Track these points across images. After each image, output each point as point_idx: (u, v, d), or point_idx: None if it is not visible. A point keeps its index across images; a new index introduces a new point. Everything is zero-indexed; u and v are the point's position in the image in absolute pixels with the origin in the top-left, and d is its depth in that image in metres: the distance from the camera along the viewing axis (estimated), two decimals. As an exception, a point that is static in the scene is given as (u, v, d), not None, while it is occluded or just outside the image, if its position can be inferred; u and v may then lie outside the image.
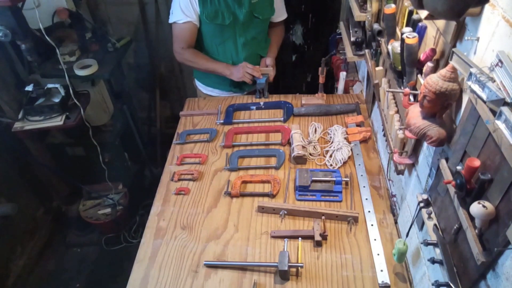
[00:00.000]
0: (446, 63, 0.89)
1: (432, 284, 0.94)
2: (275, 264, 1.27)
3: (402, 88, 1.19)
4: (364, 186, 1.57)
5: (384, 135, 1.54)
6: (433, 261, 0.98)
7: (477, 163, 0.77)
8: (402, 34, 1.05)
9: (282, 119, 1.96)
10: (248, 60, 2.04)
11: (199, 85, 2.30)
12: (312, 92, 2.11)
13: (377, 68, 1.52)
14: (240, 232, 1.45)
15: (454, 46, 0.93)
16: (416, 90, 1.09)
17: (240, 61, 2.04)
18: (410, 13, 1.14)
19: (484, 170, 0.77)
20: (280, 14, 2.15)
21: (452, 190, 0.88)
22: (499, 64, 0.68)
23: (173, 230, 1.47)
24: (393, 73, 1.27)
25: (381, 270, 1.27)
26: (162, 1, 2.82)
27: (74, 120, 2.16)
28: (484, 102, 0.74)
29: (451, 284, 0.88)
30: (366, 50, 1.69)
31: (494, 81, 0.70)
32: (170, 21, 1.95)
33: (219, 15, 1.88)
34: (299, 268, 1.28)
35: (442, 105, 0.90)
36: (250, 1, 1.90)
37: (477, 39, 0.83)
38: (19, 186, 2.58)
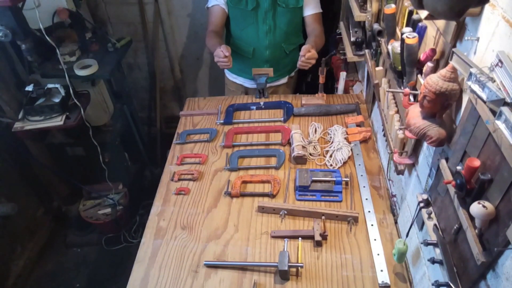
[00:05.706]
0: (446, 63, 0.89)
1: (432, 284, 0.94)
2: (275, 264, 1.27)
3: (402, 88, 1.19)
4: (364, 186, 1.57)
5: (384, 135, 1.54)
6: (433, 261, 0.98)
7: (477, 163, 0.77)
8: (402, 34, 1.05)
9: (282, 119, 1.96)
10: (270, 50, 2.04)
11: (227, 72, 2.33)
12: (312, 92, 2.11)
13: (377, 68, 1.52)
14: (240, 232, 1.45)
15: (454, 46, 0.93)
16: (416, 90, 1.09)
17: (261, 49, 2.04)
18: (410, 13, 1.14)
19: (484, 170, 0.77)
20: (311, 7, 2.03)
21: (452, 190, 0.88)
22: (499, 64, 0.68)
23: (173, 230, 1.47)
24: (393, 73, 1.27)
25: (381, 270, 1.28)
26: (162, 1, 2.82)
27: (74, 120, 2.16)
28: (484, 102, 0.74)
29: (451, 284, 0.88)
30: (366, 50, 1.69)
31: (494, 81, 0.70)
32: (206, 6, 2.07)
33: (243, 0, 1.92)
34: (299, 268, 1.28)
35: (442, 105, 0.90)
36: None
37: (477, 39, 0.83)
38: (19, 186, 2.58)
